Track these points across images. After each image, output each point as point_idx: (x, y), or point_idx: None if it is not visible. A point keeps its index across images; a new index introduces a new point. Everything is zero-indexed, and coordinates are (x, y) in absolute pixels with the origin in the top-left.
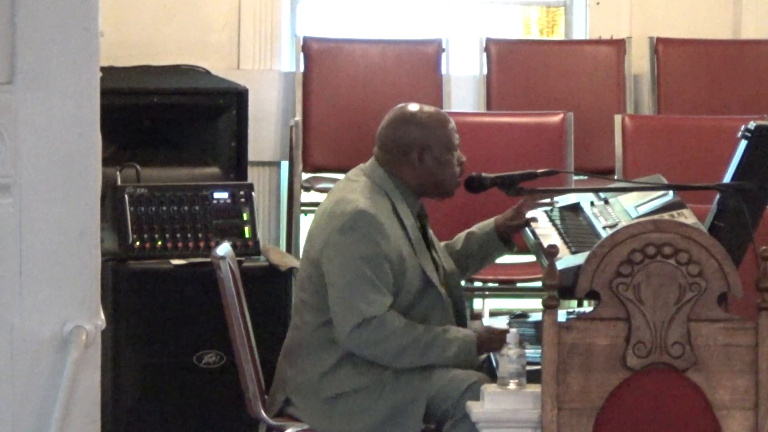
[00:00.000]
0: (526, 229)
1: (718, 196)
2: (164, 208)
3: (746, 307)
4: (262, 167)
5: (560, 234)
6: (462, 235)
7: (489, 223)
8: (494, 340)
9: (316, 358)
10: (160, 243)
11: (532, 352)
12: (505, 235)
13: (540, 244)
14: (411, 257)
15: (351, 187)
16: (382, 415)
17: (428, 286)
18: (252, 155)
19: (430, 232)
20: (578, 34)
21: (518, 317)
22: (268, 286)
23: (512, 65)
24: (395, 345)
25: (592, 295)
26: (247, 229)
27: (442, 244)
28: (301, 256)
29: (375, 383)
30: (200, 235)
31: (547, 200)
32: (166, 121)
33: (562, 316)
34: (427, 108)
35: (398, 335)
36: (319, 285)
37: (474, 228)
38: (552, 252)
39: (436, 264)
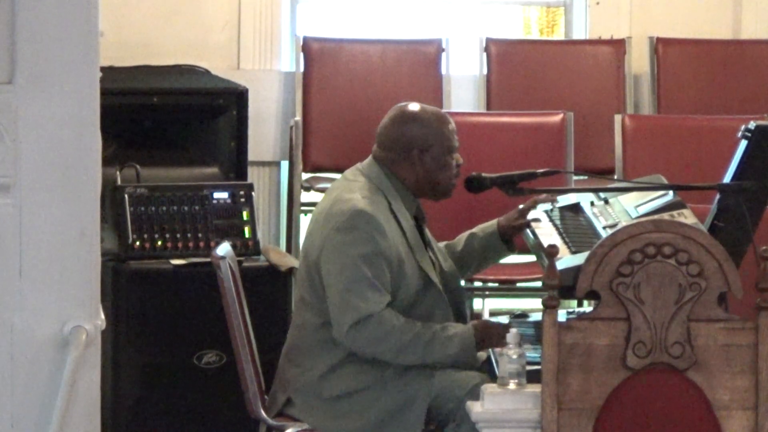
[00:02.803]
0: (527, 229)
1: (718, 196)
2: (164, 208)
3: (746, 307)
4: (262, 167)
5: (560, 234)
6: (463, 235)
7: (491, 224)
8: (492, 335)
9: (318, 358)
10: (160, 243)
11: (532, 352)
12: (508, 236)
13: (540, 244)
14: (409, 257)
15: (348, 187)
16: (384, 414)
17: (428, 286)
18: (252, 155)
19: (427, 232)
20: (578, 34)
21: (518, 317)
22: (268, 286)
23: (512, 65)
24: (395, 343)
25: (592, 295)
26: (247, 229)
27: (442, 244)
28: (300, 256)
29: (376, 383)
30: (200, 235)
31: (543, 210)
32: (166, 121)
33: (562, 316)
34: (429, 108)
35: (397, 333)
36: (319, 285)
37: (476, 229)
38: (552, 252)
39: (434, 264)
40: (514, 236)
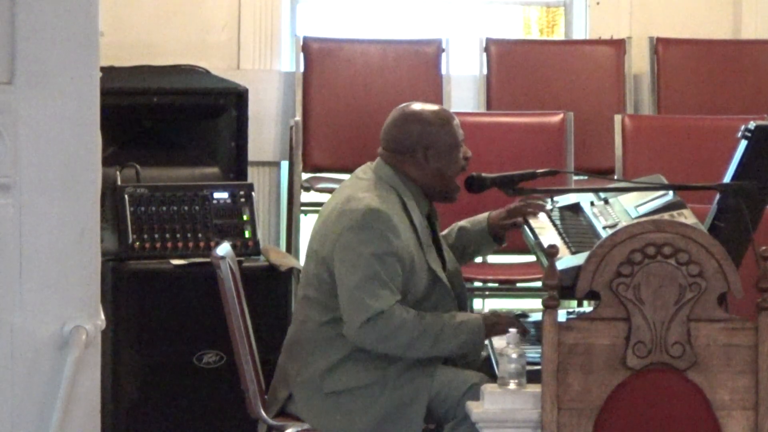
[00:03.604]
0: (526, 228)
1: (718, 196)
2: (164, 208)
3: (746, 307)
4: (262, 167)
5: (560, 234)
6: (454, 227)
7: (482, 219)
8: (500, 323)
9: (320, 354)
10: (160, 243)
11: (532, 352)
12: (497, 233)
13: (540, 244)
14: (419, 254)
15: (360, 185)
16: (384, 412)
17: (436, 283)
18: (252, 155)
19: (439, 232)
20: (578, 34)
21: (518, 317)
22: (268, 286)
23: (512, 65)
24: (406, 337)
25: (592, 295)
26: (247, 229)
27: None
28: (305, 253)
29: (377, 381)
30: (200, 235)
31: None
32: (166, 121)
33: (562, 316)
34: (430, 106)
35: (407, 327)
36: (326, 282)
37: (465, 222)
38: (552, 252)
39: (444, 262)
40: (503, 233)
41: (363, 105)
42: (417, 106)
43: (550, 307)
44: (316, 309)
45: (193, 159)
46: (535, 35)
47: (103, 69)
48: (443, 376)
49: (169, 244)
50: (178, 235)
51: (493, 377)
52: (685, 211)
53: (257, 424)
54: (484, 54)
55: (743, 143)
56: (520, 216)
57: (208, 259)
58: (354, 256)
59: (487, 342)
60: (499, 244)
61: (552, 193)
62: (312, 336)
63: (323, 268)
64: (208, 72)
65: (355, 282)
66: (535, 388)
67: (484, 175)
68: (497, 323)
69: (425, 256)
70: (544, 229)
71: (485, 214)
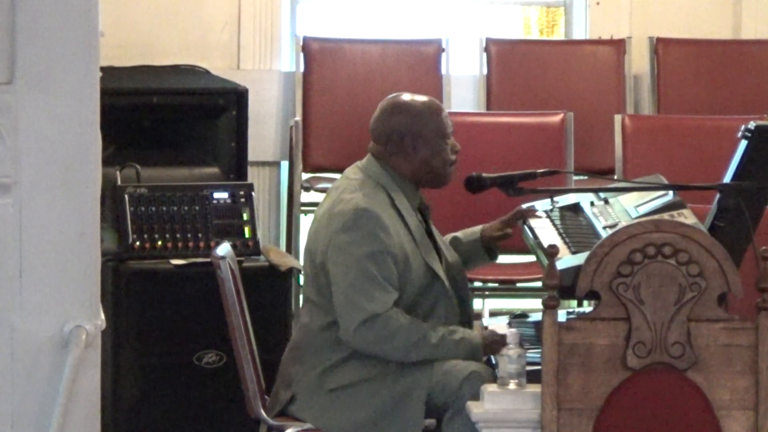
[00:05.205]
0: (526, 228)
1: (718, 196)
2: (164, 208)
3: (746, 307)
4: (262, 167)
5: (560, 234)
6: (447, 238)
7: (475, 231)
8: (497, 343)
9: (322, 356)
10: (160, 243)
11: (532, 352)
12: (489, 245)
13: (540, 244)
14: (414, 251)
15: (349, 186)
16: (384, 405)
17: (433, 279)
18: (252, 155)
19: (432, 224)
20: (578, 34)
21: (518, 317)
22: (268, 286)
23: (512, 65)
24: (402, 342)
25: (592, 295)
26: (247, 229)
27: None
28: (302, 256)
29: (377, 375)
30: (200, 235)
31: (543, 210)
32: (166, 121)
33: (562, 316)
34: (418, 97)
35: (404, 332)
36: (324, 286)
37: (459, 234)
38: (552, 252)
39: (440, 256)
40: (495, 246)
41: (363, 105)
42: (405, 96)
43: (550, 307)
44: (317, 312)
45: (193, 159)
46: (535, 35)
47: (103, 69)
48: (442, 366)
49: (169, 244)
50: (178, 235)
51: (493, 378)
52: (685, 211)
53: (258, 425)
54: (484, 54)
55: (743, 143)
56: (510, 227)
57: (208, 259)
58: (346, 257)
59: None
60: (491, 258)
61: (552, 193)
62: (314, 339)
63: (320, 272)
64: (208, 72)
65: (349, 284)
66: (535, 388)
67: (484, 175)
68: (495, 343)
69: (421, 253)
70: (544, 229)
71: (479, 227)
